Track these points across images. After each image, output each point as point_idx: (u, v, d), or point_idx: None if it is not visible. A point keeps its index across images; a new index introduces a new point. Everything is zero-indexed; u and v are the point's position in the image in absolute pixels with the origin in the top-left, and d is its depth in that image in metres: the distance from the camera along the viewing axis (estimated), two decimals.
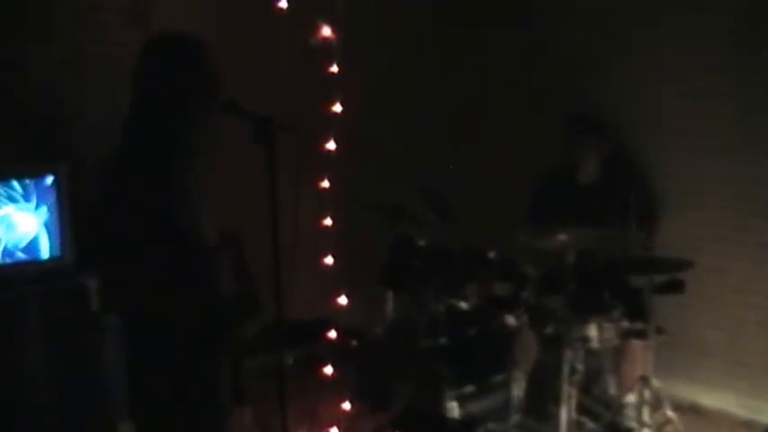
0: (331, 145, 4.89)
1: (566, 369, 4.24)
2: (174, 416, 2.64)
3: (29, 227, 4.12)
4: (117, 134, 2.64)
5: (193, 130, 2.66)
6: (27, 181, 4.09)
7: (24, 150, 4.20)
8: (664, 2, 5.01)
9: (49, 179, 4.14)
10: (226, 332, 2.65)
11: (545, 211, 4.90)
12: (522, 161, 5.38)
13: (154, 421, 2.67)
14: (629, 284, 4.51)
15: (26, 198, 4.09)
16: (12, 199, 4.05)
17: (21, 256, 4.10)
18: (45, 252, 4.17)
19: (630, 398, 4.50)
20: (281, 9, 4.84)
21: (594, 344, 4.34)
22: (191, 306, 2.57)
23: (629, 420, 4.44)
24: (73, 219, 4.17)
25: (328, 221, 4.95)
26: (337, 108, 4.94)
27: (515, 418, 4.56)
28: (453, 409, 4.40)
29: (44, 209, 4.14)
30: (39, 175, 4.13)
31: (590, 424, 4.46)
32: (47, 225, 4.16)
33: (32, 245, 4.13)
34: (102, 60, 4.35)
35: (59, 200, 4.17)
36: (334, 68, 4.95)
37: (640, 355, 4.45)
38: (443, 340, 4.55)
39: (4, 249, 4.05)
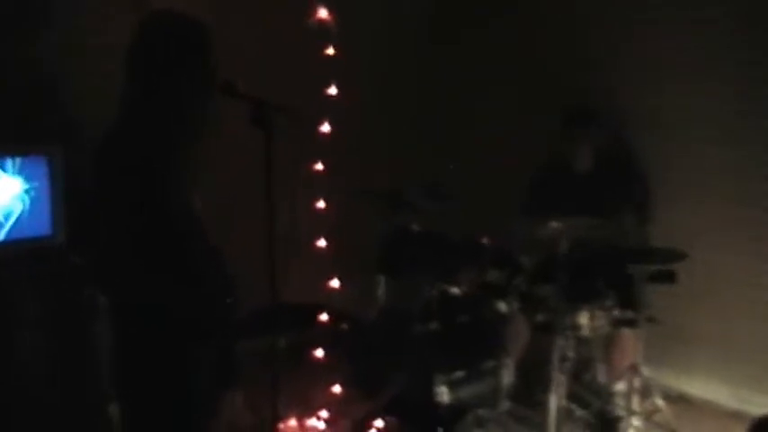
0: (326, 128, 4.87)
1: (556, 356, 4.25)
2: (157, 398, 2.63)
3: (20, 205, 4.10)
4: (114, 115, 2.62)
5: (188, 110, 2.63)
6: (20, 160, 4.07)
7: (23, 133, 4.18)
8: None
9: (43, 159, 4.12)
10: (206, 319, 2.64)
11: (541, 201, 4.90)
12: (518, 150, 5.38)
13: (137, 403, 2.67)
14: (622, 273, 4.51)
15: (18, 177, 4.07)
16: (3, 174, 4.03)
17: (11, 235, 4.08)
18: (37, 232, 4.15)
19: (620, 386, 4.52)
20: None
21: (585, 332, 4.36)
22: (176, 288, 2.56)
23: (619, 408, 4.46)
24: (67, 199, 4.15)
25: (322, 205, 4.94)
26: (333, 91, 4.92)
27: (505, 404, 4.59)
28: (443, 394, 4.41)
29: (37, 188, 4.11)
30: (32, 154, 4.11)
31: (579, 411, 4.48)
32: (39, 205, 4.13)
33: (24, 224, 4.10)
34: (103, 44, 4.31)
35: (53, 180, 4.15)
36: (331, 51, 4.92)
37: (631, 343, 4.47)
38: (435, 326, 4.55)
39: None
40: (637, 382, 4.38)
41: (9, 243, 4.07)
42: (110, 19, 4.34)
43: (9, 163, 4.04)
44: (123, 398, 2.69)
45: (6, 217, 4.06)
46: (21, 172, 4.08)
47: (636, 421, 4.40)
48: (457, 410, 4.42)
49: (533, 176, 5.11)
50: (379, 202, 4.83)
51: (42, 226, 4.16)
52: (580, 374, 4.75)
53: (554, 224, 4.24)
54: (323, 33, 4.80)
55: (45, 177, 4.14)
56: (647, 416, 4.45)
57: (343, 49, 4.87)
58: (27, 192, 4.10)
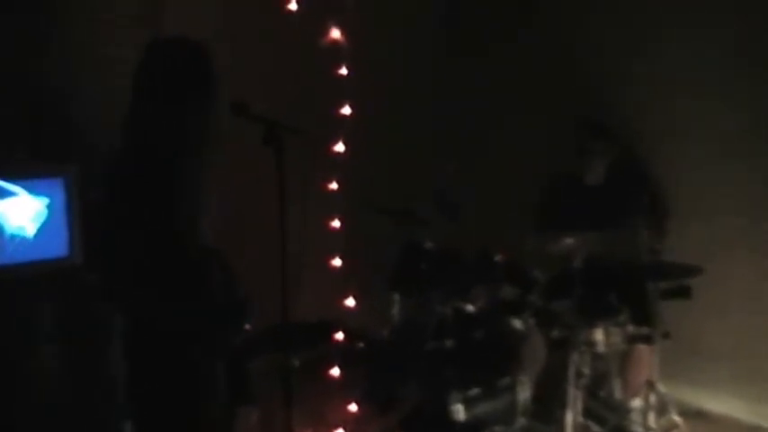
0: (340, 147, 4.90)
1: (572, 373, 4.24)
2: (170, 415, 2.65)
3: (37, 226, 4.13)
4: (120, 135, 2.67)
5: (191, 131, 2.68)
6: (37, 180, 4.10)
7: (37, 150, 4.22)
8: (676, 8, 5.02)
9: (60, 179, 4.16)
10: (214, 336, 2.66)
11: (553, 215, 4.89)
12: (531, 165, 5.38)
13: (151, 420, 2.68)
14: (637, 289, 4.50)
15: (34, 198, 4.10)
16: (21, 195, 4.06)
17: (29, 256, 4.11)
18: (54, 253, 4.18)
19: (636, 402, 4.49)
20: (291, 11, 4.86)
21: (601, 348, 4.34)
22: (183, 307, 2.58)
23: (635, 425, 4.43)
24: (82, 219, 4.19)
25: (336, 223, 4.96)
26: (346, 110, 4.95)
27: (521, 421, 4.56)
28: (459, 411, 4.40)
29: (53, 208, 4.15)
30: (49, 175, 4.15)
31: (595, 428, 4.44)
32: (56, 225, 4.17)
33: (41, 245, 4.14)
34: (115, 62, 4.37)
35: (69, 200, 4.18)
36: (344, 71, 4.96)
37: (646, 359, 4.45)
38: (450, 343, 4.55)
39: (13, 247, 4.06)
40: (653, 398, 4.35)
41: (26, 264, 4.10)
42: (122, 34, 4.38)
43: (26, 184, 4.08)
44: (137, 416, 2.71)
45: (24, 238, 4.09)
46: (37, 192, 4.11)
47: None
48: (473, 427, 4.41)
49: (544, 190, 5.11)
50: (392, 219, 4.84)
51: (59, 247, 4.19)
52: (596, 391, 4.72)
53: (568, 240, 4.24)
54: (336, 53, 4.83)
55: (62, 198, 4.18)
56: None
57: (356, 69, 4.90)
58: (44, 213, 4.14)
